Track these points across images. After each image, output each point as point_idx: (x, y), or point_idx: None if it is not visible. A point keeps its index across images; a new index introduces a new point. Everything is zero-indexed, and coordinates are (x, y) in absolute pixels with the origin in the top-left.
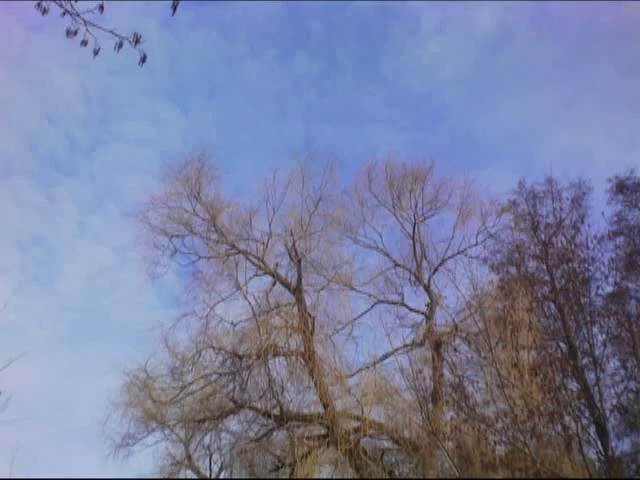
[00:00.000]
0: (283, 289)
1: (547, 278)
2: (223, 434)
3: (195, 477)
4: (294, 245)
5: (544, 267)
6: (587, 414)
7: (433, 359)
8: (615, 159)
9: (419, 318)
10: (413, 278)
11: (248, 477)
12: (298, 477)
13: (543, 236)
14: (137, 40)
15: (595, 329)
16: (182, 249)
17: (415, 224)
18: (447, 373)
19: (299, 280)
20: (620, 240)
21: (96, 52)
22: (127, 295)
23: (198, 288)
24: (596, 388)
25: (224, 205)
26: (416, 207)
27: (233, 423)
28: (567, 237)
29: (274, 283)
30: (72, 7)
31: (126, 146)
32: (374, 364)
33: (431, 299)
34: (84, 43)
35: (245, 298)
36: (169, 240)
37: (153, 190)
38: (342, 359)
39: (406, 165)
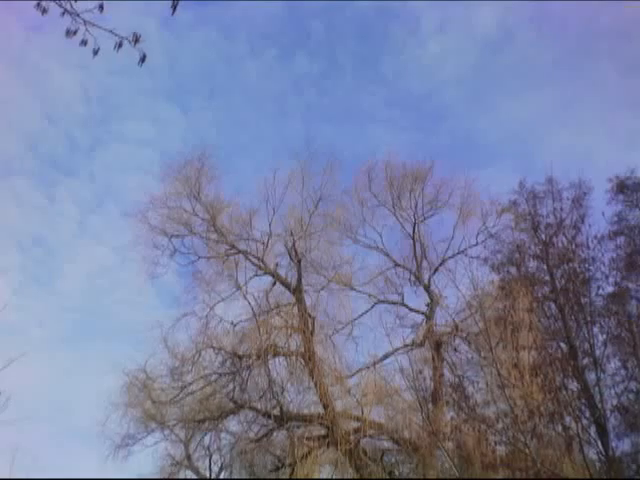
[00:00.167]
0: (283, 289)
1: (547, 278)
2: (223, 434)
3: (195, 477)
4: (294, 245)
5: (544, 267)
6: (587, 414)
7: (433, 359)
8: (615, 159)
9: (419, 318)
10: (413, 278)
11: (248, 477)
12: (298, 477)
13: (543, 236)
14: (137, 40)
15: (595, 329)
16: (182, 249)
17: (415, 224)
18: (447, 373)
19: (299, 280)
20: (620, 240)
21: (96, 52)
22: (127, 295)
23: (198, 288)
24: (596, 388)
25: (224, 205)
26: (416, 207)
27: (233, 423)
28: (567, 237)
29: (274, 283)
30: (72, 7)
31: (126, 146)
32: (374, 364)
33: (431, 299)
34: (84, 43)
35: (245, 298)
36: (169, 240)
37: (153, 190)
38: (342, 359)
39: (406, 165)
